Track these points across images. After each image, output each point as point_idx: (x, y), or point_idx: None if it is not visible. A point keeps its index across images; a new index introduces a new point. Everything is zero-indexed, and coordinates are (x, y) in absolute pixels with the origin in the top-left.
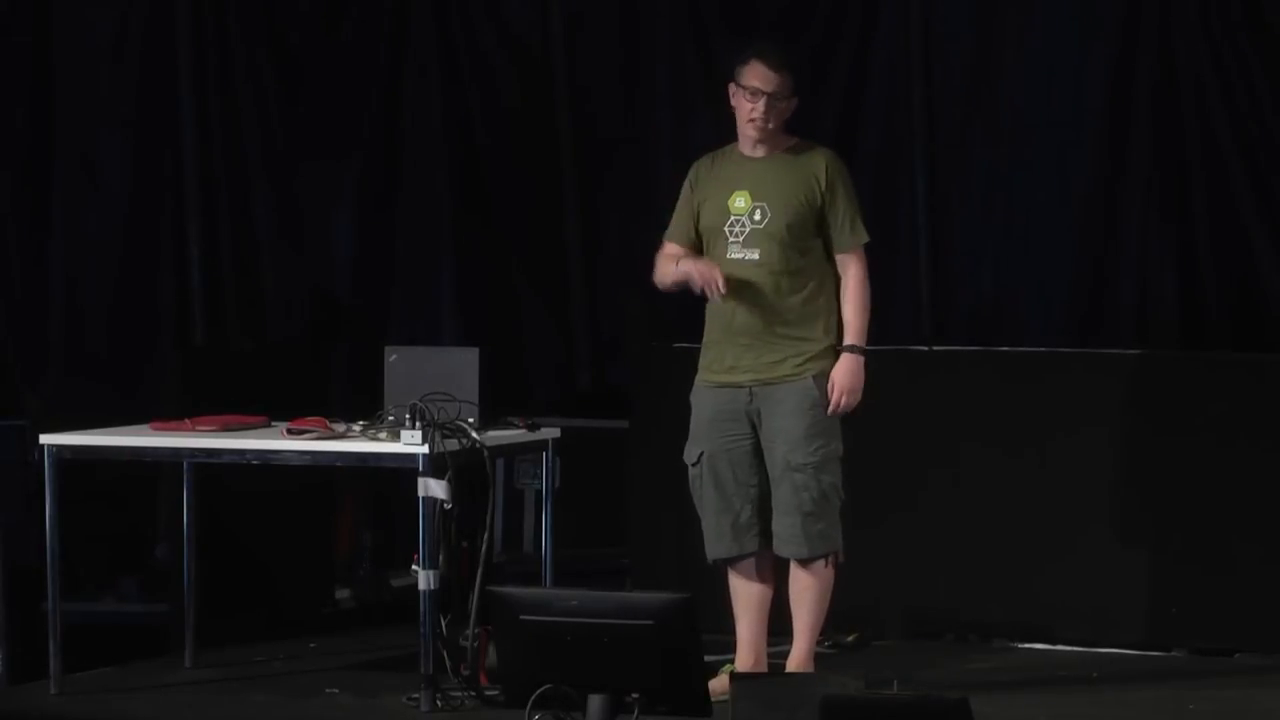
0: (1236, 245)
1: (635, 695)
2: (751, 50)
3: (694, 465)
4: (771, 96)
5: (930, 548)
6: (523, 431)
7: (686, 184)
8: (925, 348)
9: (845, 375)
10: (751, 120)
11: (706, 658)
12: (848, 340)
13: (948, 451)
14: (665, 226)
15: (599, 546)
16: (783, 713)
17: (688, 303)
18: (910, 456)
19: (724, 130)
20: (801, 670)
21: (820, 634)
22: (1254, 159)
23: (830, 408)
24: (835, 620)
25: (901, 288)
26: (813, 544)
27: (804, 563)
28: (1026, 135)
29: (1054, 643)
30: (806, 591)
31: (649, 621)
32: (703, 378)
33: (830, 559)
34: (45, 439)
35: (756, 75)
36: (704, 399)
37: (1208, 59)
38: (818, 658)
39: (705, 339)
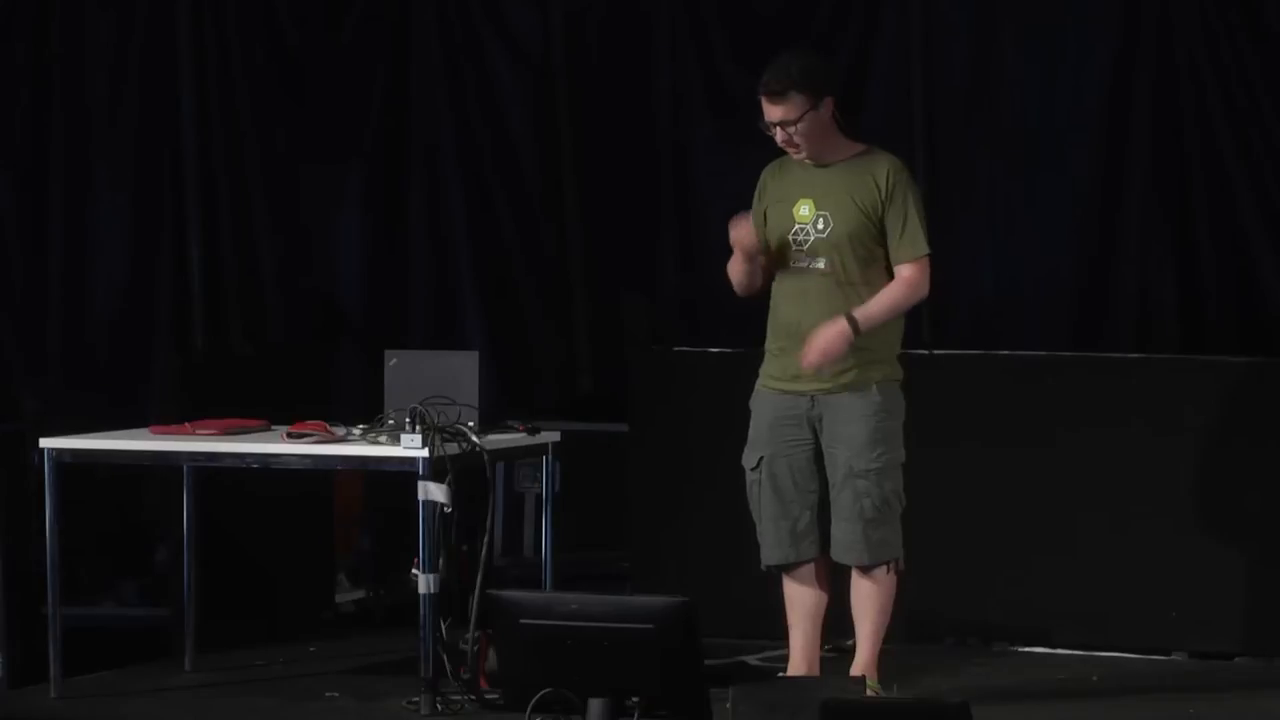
0: (1236, 246)
1: (635, 699)
2: (759, 84)
3: (753, 470)
4: (784, 124)
5: (930, 551)
6: (522, 435)
7: (755, 194)
8: (925, 350)
9: (822, 334)
10: (788, 150)
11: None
12: (854, 311)
13: (948, 455)
14: (666, 228)
15: (599, 550)
16: (783, 715)
17: (687, 304)
18: (910, 460)
19: (723, 130)
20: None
21: (884, 640)
22: (1254, 160)
23: (804, 360)
24: (835, 624)
25: None
26: (873, 551)
27: (865, 570)
28: (1026, 135)
29: (1054, 646)
30: (868, 600)
31: (649, 625)
32: (764, 383)
33: (891, 565)
34: (45, 443)
35: (765, 110)
36: (765, 404)
37: (1207, 60)
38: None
39: (769, 345)
